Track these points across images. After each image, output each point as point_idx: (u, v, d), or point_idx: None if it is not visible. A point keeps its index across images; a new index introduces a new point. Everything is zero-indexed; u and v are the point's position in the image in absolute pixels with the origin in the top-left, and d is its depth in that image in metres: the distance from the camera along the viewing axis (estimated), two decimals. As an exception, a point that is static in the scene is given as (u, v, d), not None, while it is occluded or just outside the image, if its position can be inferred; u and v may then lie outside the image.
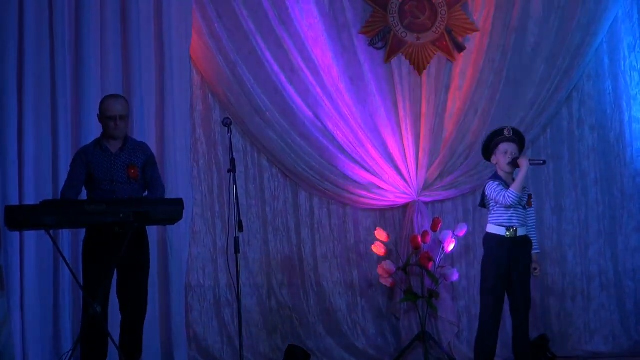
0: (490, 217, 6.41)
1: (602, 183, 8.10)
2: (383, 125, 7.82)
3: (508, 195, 6.23)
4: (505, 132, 6.42)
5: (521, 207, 6.36)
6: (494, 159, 6.43)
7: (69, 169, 6.06)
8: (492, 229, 6.39)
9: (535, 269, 6.44)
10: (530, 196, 6.45)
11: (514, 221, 6.34)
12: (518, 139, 6.44)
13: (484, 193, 6.45)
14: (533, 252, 6.43)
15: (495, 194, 6.29)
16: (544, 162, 6.63)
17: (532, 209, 6.48)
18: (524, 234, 6.37)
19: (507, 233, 6.32)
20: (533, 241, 6.43)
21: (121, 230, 5.62)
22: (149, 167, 6.05)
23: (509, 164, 6.33)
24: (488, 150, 6.48)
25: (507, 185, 6.32)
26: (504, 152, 6.36)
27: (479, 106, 7.88)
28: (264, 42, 7.56)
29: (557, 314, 7.95)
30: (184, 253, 7.23)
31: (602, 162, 8.11)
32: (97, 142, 6.03)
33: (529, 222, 6.44)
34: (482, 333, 6.38)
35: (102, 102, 6.02)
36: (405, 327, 7.63)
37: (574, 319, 7.95)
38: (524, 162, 6.28)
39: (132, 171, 5.93)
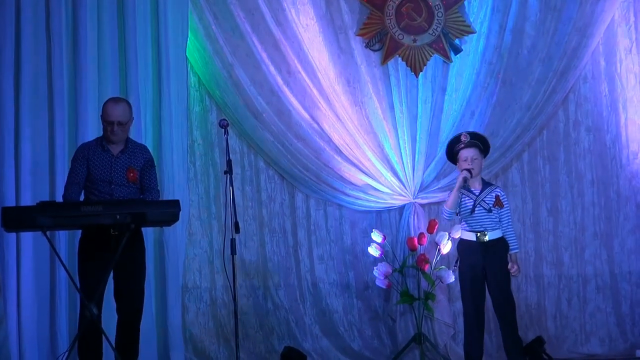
0: (461, 224, 6.47)
1: (598, 185, 8.10)
2: (379, 127, 7.82)
3: (442, 211, 6.37)
4: (462, 139, 6.46)
5: (485, 211, 6.38)
6: (457, 166, 6.47)
7: (69, 165, 6.03)
8: (463, 235, 6.47)
9: (512, 268, 6.46)
10: (497, 197, 6.45)
11: (484, 225, 6.37)
12: (479, 141, 6.47)
13: None
14: (511, 252, 6.46)
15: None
16: (467, 177, 6.44)
17: (505, 209, 6.49)
18: (497, 236, 6.41)
19: (477, 238, 6.36)
20: (510, 241, 6.46)
21: (117, 232, 5.62)
22: (147, 171, 6.02)
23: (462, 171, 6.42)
24: (452, 158, 6.55)
25: (469, 192, 6.43)
26: (464, 160, 6.42)
27: (476, 108, 7.88)
28: (261, 44, 7.55)
29: (553, 316, 7.96)
30: (180, 254, 7.21)
31: (598, 164, 8.12)
32: (99, 141, 6.01)
33: (503, 222, 6.46)
34: (468, 337, 6.47)
35: (104, 104, 6.01)
36: (402, 329, 7.63)
37: (569, 321, 7.96)
38: (459, 178, 6.37)
39: (132, 174, 5.91)
